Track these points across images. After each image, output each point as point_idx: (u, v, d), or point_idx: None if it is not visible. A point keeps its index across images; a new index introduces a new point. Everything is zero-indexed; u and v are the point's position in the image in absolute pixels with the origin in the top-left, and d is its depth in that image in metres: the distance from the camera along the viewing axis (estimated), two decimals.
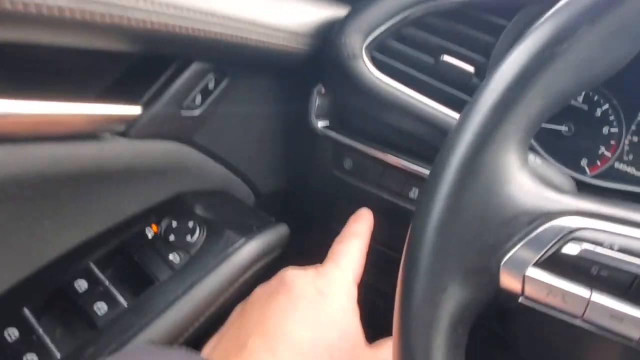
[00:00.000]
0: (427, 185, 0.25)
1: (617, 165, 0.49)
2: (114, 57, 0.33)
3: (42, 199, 0.32)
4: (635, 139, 0.48)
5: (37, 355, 0.32)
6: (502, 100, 0.23)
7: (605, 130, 0.50)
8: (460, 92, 0.45)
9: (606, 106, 0.50)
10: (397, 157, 0.47)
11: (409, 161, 0.46)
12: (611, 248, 0.22)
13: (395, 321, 0.23)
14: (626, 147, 0.49)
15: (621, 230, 0.22)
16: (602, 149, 0.49)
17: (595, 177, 0.49)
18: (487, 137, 0.23)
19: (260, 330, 0.31)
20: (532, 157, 0.40)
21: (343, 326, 0.33)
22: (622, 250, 0.22)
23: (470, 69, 0.44)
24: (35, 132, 0.29)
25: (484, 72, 0.45)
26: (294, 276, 0.35)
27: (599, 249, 0.22)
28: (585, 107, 0.50)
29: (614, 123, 0.50)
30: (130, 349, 0.30)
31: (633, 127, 0.49)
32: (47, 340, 0.33)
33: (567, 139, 0.50)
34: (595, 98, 0.50)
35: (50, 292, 0.36)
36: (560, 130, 0.50)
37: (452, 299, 0.23)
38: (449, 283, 0.23)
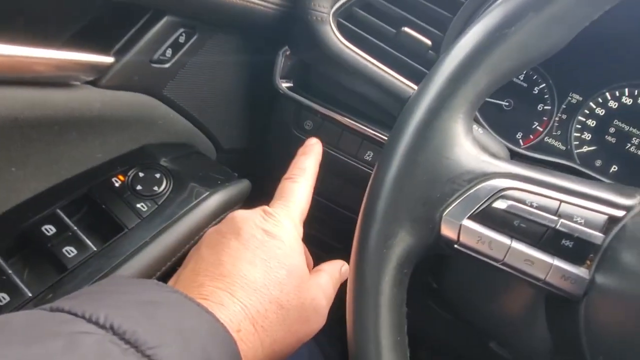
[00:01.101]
0: (386, 145, 0.29)
1: (546, 139, 0.55)
2: (86, 3, 0.33)
3: (11, 144, 0.32)
4: (564, 116, 0.54)
5: (8, 294, 0.33)
6: (454, 75, 0.27)
7: (539, 107, 0.55)
8: (417, 63, 0.48)
9: (543, 85, 0.55)
10: (355, 121, 0.50)
11: (365, 125, 0.50)
12: (530, 205, 0.27)
13: (352, 260, 0.27)
14: (556, 124, 0.55)
15: (540, 191, 0.27)
16: (536, 124, 0.55)
17: (526, 148, 0.55)
18: (439, 107, 0.27)
19: (217, 272, 0.33)
20: (475, 127, 0.44)
21: (289, 265, 0.35)
22: (538, 207, 0.27)
23: (427, 42, 0.48)
24: (10, 75, 0.29)
25: (439, 46, 0.49)
26: (243, 220, 0.36)
27: (521, 205, 0.27)
28: (525, 84, 0.55)
29: (548, 101, 0.55)
30: (105, 281, 0.32)
31: (564, 106, 0.55)
32: (17, 280, 0.34)
33: (507, 113, 0.55)
34: (534, 77, 0.55)
35: (18, 235, 0.36)
36: (502, 105, 0.55)
37: (401, 243, 0.27)
38: (399, 230, 0.27)
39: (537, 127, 0.55)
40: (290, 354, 0.35)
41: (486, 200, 0.27)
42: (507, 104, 0.55)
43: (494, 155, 0.31)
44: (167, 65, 0.40)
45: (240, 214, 0.38)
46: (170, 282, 0.35)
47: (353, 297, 0.27)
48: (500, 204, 0.27)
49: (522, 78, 0.55)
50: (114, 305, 0.25)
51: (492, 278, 0.34)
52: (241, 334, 0.30)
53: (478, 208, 0.27)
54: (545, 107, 0.55)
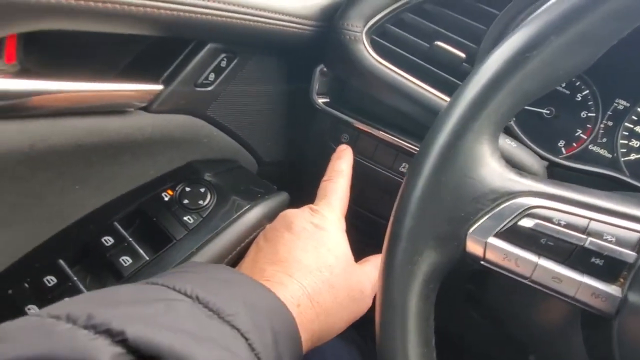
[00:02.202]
0: (413, 164, 0.30)
1: (591, 147, 0.54)
2: (137, 40, 0.36)
3: (75, 166, 0.36)
4: (610, 123, 0.53)
5: None
6: (479, 98, 0.28)
7: (583, 114, 0.54)
8: (450, 76, 0.49)
9: (586, 92, 0.54)
10: (390, 133, 0.51)
11: (400, 138, 0.51)
12: (558, 224, 0.27)
13: (379, 275, 0.29)
14: (601, 131, 0.53)
15: (567, 209, 0.27)
16: (579, 132, 0.54)
17: (569, 157, 0.53)
18: (464, 129, 0.28)
19: (275, 259, 0.38)
20: (508, 140, 0.44)
21: (337, 251, 0.40)
22: (566, 226, 0.27)
23: (461, 54, 0.48)
24: (72, 107, 0.33)
25: (473, 58, 0.49)
26: (294, 216, 0.42)
27: (548, 224, 0.27)
28: (567, 92, 0.54)
29: (592, 108, 0.54)
30: (185, 264, 0.37)
31: (609, 113, 0.53)
32: (81, 286, 0.38)
33: (548, 121, 0.54)
34: (577, 84, 0.54)
35: (81, 246, 0.40)
36: (542, 113, 0.54)
37: (427, 260, 0.28)
38: (425, 247, 0.28)
39: (581, 135, 0.54)
40: (342, 328, 0.39)
41: (512, 219, 0.28)
42: (548, 112, 0.54)
43: (524, 171, 0.31)
44: (210, 88, 0.43)
45: (291, 212, 0.43)
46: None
47: (381, 311, 0.29)
48: (526, 222, 0.28)
49: (564, 85, 0.54)
50: (196, 281, 0.29)
51: (531, 291, 0.34)
52: (301, 308, 0.34)
53: (504, 226, 0.28)
54: (589, 114, 0.54)
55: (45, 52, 0.32)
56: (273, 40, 0.45)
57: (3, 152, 0.30)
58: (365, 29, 0.47)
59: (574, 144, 0.54)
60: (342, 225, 0.43)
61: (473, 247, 0.28)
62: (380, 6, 0.48)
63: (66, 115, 0.33)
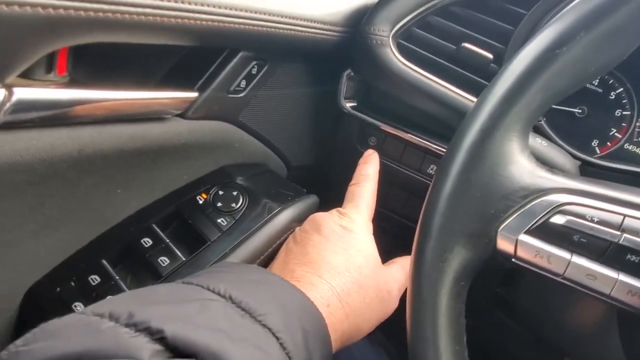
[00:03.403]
0: (442, 164, 0.30)
1: (626, 146, 0.53)
2: (174, 50, 0.38)
3: (118, 170, 0.39)
4: None
5: None
6: (507, 95, 0.28)
7: (617, 112, 0.53)
8: (478, 77, 0.49)
9: (620, 90, 0.52)
10: (417, 136, 0.52)
11: (428, 140, 0.51)
12: (591, 220, 0.27)
13: (410, 273, 0.29)
14: (637, 129, 0.52)
15: (600, 205, 0.27)
16: (614, 131, 0.53)
17: (604, 157, 0.52)
18: (492, 127, 0.28)
19: (305, 260, 0.39)
20: (538, 139, 0.44)
21: (365, 253, 0.41)
22: (599, 222, 0.27)
23: (489, 55, 0.48)
24: (115, 114, 0.35)
25: (502, 59, 0.49)
26: (323, 219, 0.43)
27: (581, 221, 0.27)
28: (600, 90, 0.53)
29: (627, 106, 0.53)
30: (218, 264, 0.39)
31: None
32: (122, 285, 0.40)
33: (581, 121, 0.53)
34: (610, 82, 0.53)
35: (122, 247, 0.43)
36: (575, 112, 0.53)
37: (457, 257, 0.28)
38: (455, 244, 0.28)
39: (616, 134, 0.53)
40: (370, 328, 0.40)
41: (543, 216, 0.28)
42: (580, 111, 0.53)
43: (555, 169, 0.31)
44: (242, 95, 0.45)
45: (320, 215, 0.44)
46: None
47: (412, 308, 0.29)
48: (558, 219, 0.28)
49: (596, 83, 0.53)
50: (229, 281, 0.30)
51: (565, 291, 0.33)
52: (330, 308, 0.35)
53: (535, 223, 0.28)
54: (624, 113, 0.53)
55: (91, 64, 0.34)
56: (302, 47, 0.46)
57: (55, 157, 0.32)
58: (392, 33, 0.48)
59: (609, 143, 0.53)
60: (369, 227, 0.44)
61: (504, 244, 0.28)
62: (407, 10, 0.48)
63: (110, 122, 0.35)
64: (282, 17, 0.40)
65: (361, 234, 0.42)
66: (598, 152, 0.53)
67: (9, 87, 0.27)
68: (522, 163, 0.29)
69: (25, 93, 0.28)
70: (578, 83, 0.29)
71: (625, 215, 0.27)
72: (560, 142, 0.47)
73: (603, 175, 0.48)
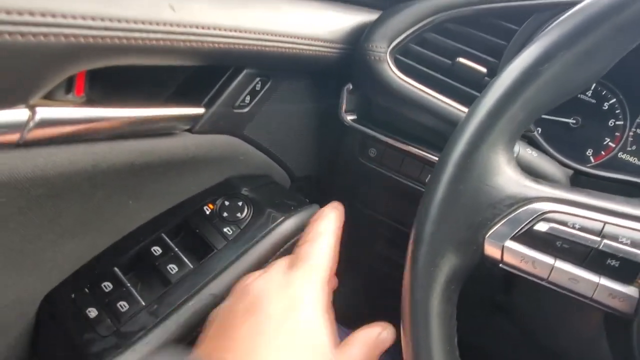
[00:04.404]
0: (433, 175, 0.32)
1: (620, 155, 0.54)
2: (181, 68, 0.41)
3: (129, 183, 0.41)
4: (639, 131, 0.53)
5: (127, 303, 0.42)
6: (492, 111, 0.30)
7: (611, 122, 0.54)
8: (473, 89, 0.51)
9: (613, 100, 0.54)
10: (415, 147, 0.54)
11: (425, 151, 0.53)
12: (573, 227, 0.29)
13: (405, 278, 0.31)
14: (630, 139, 0.54)
15: (582, 213, 0.29)
16: (607, 140, 0.54)
17: (598, 166, 0.54)
18: (480, 140, 0.30)
19: (233, 354, 0.31)
20: (529, 150, 0.46)
21: (314, 340, 0.32)
22: (581, 229, 0.29)
23: (482, 69, 0.50)
24: (127, 131, 0.37)
25: (495, 72, 0.51)
26: (261, 291, 0.34)
27: (563, 227, 0.29)
28: (594, 101, 0.55)
29: (620, 116, 0.54)
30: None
31: (638, 120, 0.53)
32: (134, 291, 0.42)
33: (575, 131, 0.55)
34: (603, 93, 0.54)
35: (133, 255, 0.45)
36: (569, 123, 0.55)
37: (448, 263, 0.30)
38: (446, 251, 0.30)
39: (609, 143, 0.54)
40: None
41: (527, 223, 0.29)
42: (574, 121, 0.55)
43: (543, 179, 0.33)
44: (246, 110, 0.47)
45: (256, 284, 0.35)
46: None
47: (406, 311, 0.31)
48: (541, 226, 0.29)
49: (589, 94, 0.55)
50: None
51: (561, 297, 0.35)
52: None
53: (520, 230, 0.29)
54: (617, 122, 0.54)
55: (105, 84, 0.36)
56: (304, 63, 0.48)
57: (71, 172, 0.34)
58: (389, 49, 0.50)
59: (603, 152, 0.54)
60: (322, 298, 0.35)
61: (491, 250, 0.30)
62: (403, 28, 0.51)
63: (123, 138, 0.38)
64: (285, 36, 0.42)
65: (311, 315, 0.33)
66: (592, 161, 0.55)
67: (32, 108, 0.30)
68: (508, 173, 0.31)
69: (46, 112, 0.30)
70: (560, 98, 0.31)
71: (605, 222, 0.29)
72: (552, 152, 0.49)
73: (596, 184, 0.49)
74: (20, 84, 0.27)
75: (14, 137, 0.30)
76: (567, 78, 0.30)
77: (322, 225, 0.41)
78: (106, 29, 0.28)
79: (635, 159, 0.54)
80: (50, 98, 0.31)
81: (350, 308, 0.60)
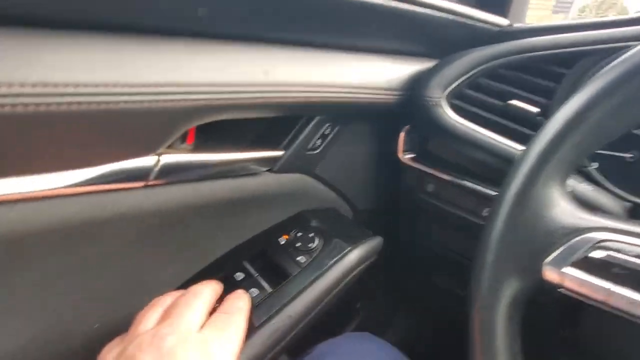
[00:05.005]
0: (492, 209, 0.36)
1: None
2: (261, 117, 0.48)
3: (218, 216, 0.48)
4: None
5: None
6: (544, 154, 0.34)
7: None
8: (526, 128, 0.54)
9: None
10: (471, 182, 0.57)
11: (481, 186, 0.56)
12: (629, 254, 0.31)
13: (469, 300, 0.34)
14: None
15: (636, 241, 0.32)
16: None
17: None
18: (534, 177, 0.34)
19: None
20: (585, 184, 0.48)
21: None
22: (636, 255, 0.31)
23: (534, 109, 0.54)
24: (222, 170, 0.44)
25: (548, 111, 0.54)
26: (175, 345, 0.32)
27: (618, 255, 0.32)
28: None
29: None
30: None
31: None
32: None
33: (632, 165, 0.56)
34: None
35: (218, 280, 0.51)
36: (625, 157, 0.57)
37: (509, 288, 0.33)
38: (507, 276, 0.33)
39: None
40: None
41: (584, 251, 0.32)
42: (631, 156, 0.56)
43: (598, 211, 0.35)
44: (317, 152, 0.53)
45: (169, 340, 0.32)
46: None
47: (472, 331, 0.34)
48: (598, 254, 0.32)
49: None
50: None
51: (630, 327, 0.37)
52: None
53: (577, 257, 0.32)
54: None
55: (206, 133, 0.44)
56: (366, 110, 0.54)
57: (180, 206, 0.41)
58: (445, 94, 0.55)
59: None
60: None
61: (550, 275, 0.33)
62: (457, 75, 0.56)
63: (217, 178, 0.45)
64: (351, 88, 0.48)
65: None
66: None
67: (158, 155, 0.37)
68: (562, 206, 0.34)
69: (168, 159, 0.38)
70: (606, 139, 0.35)
71: None
72: (608, 186, 0.51)
73: None
74: (155, 137, 0.34)
75: (142, 181, 0.37)
76: (611, 123, 0.34)
77: (240, 303, 0.41)
78: (218, 92, 0.35)
79: None
80: (170, 147, 0.39)
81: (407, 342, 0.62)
